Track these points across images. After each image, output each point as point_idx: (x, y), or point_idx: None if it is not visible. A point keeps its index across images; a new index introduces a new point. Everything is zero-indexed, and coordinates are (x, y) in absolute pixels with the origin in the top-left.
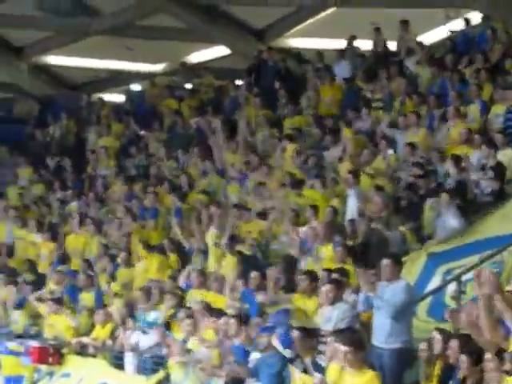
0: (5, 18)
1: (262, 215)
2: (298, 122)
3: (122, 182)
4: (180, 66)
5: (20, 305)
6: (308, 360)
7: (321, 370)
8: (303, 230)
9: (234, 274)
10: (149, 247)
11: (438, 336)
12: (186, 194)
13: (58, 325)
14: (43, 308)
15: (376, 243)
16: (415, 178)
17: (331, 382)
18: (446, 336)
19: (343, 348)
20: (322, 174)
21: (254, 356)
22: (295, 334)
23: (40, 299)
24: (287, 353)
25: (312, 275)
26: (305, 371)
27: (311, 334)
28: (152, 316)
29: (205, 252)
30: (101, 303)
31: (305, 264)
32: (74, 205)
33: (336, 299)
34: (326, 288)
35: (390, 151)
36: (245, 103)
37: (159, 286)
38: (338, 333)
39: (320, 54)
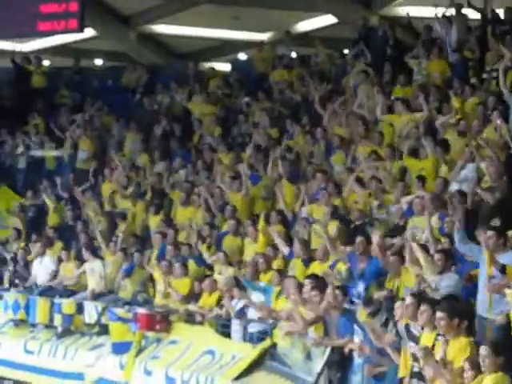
0: None
1: (368, 184)
2: (407, 91)
3: (228, 150)
4: (285, 35)
5: (129, 272)
6: (401, 327)
7: (414, 339)
8: (408, 199)
9: (338, 241)
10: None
11: None
12: (293, 163)
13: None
14: (156, 272)
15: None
16: None
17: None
18: None
19: (439, 314)
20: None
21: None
22: (408, 300)
23: (152, 265)
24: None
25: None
26: None
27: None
28: (260, 285)
29: (308, 221)
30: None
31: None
32: (181, 173)
33: (445, 269)
34: (435, 257)
35: (500, 121)
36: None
37: (267, 259)
38: (437, 300)
39: (429, 27)
